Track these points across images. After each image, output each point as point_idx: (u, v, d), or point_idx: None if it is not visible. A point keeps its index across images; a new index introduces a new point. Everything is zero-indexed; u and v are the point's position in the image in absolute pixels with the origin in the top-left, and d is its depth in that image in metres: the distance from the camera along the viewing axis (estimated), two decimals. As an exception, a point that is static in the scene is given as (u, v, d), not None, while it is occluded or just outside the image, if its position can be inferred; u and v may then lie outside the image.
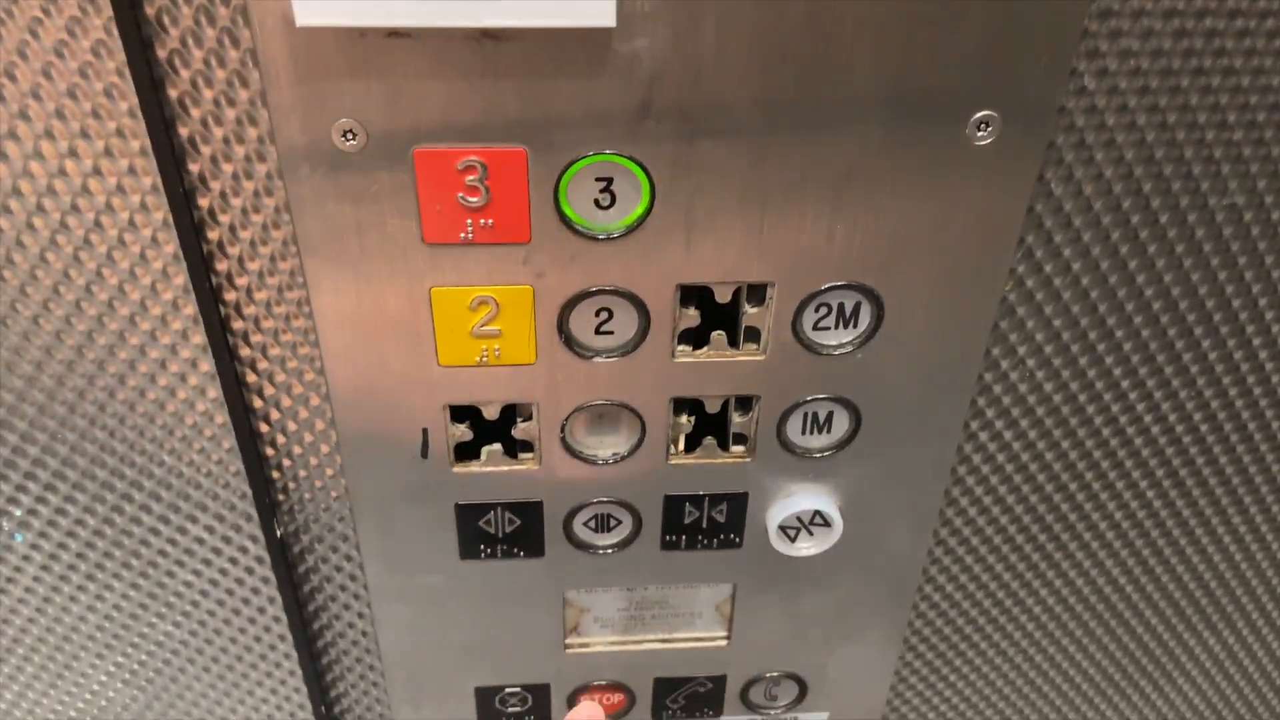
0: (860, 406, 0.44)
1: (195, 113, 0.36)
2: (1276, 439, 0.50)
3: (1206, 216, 0.41)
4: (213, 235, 0.39)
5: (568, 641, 0.53)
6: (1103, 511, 0.52)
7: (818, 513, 0.47)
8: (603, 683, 0.55)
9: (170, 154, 0.36)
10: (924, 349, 0.43)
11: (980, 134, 0.36)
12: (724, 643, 0.54)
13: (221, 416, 0.43)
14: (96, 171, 0.37)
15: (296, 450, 0.45)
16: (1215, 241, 0.42)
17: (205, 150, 0.36)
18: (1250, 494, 0.52)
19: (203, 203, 0.38)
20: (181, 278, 0.39)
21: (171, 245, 0.39)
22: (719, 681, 0.56)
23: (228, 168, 0.37)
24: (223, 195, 0.38)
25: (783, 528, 0.48)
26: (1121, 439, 0.49)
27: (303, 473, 0.46)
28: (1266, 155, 0.39)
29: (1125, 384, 0.46)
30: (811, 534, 0.48)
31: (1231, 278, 0.43)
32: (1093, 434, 0.48)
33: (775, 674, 0.56)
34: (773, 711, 0.57)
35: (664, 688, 0.56)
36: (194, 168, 0.37)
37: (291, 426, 0.45)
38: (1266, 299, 0.44)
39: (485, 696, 0.55)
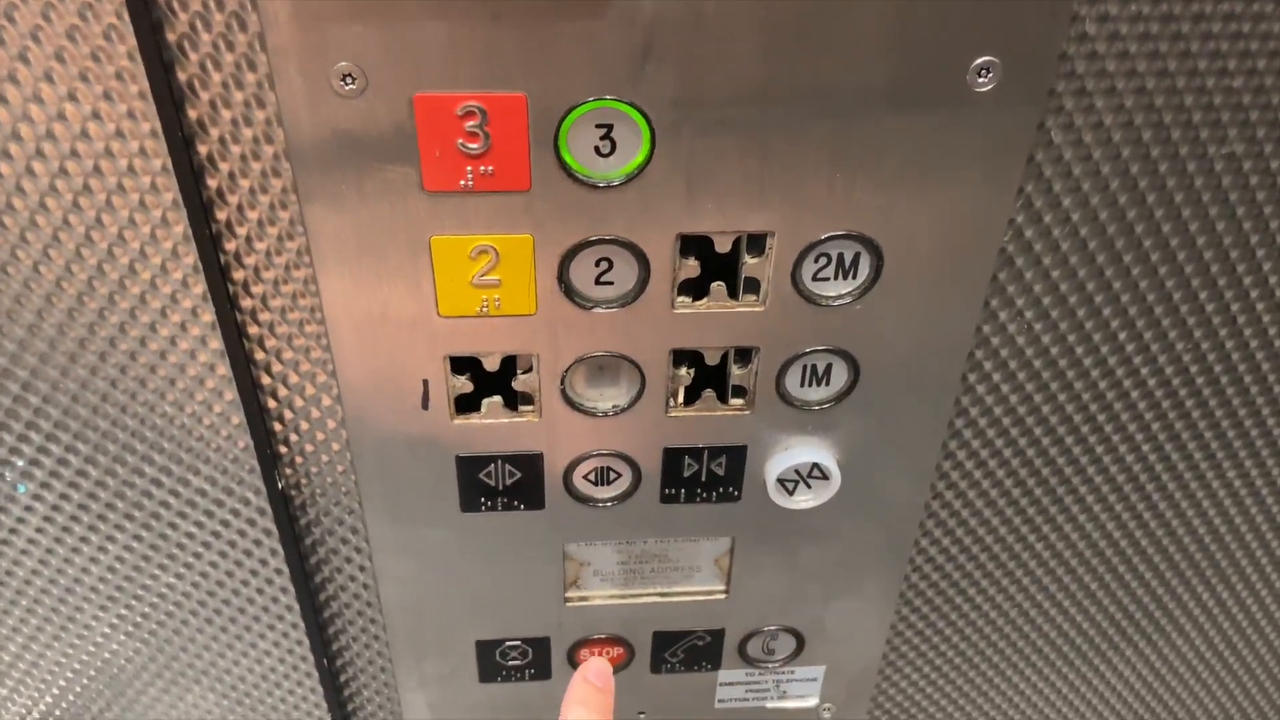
0: (859, 358, 0.44)
1: (193, 57, 0.36)
2: (1273, 393, 0.50)
3: (1206, 166, 0.41)
4: (212, 182, 0.38)
5: (567, 595, 0.54)
6: (1098, 465, 0.52)
7: (816, 465, 0.48)
8: (602, 636, 0.56)
9: (170, 100, 0.36)
10: (923, 300, 0.43)
11: (981, 80, 0.36)
12: (722, 596, 0.55)
13: (223, 368, 0.44)
14: (96, 116, 0.37)
15: (298, 402, 0.46)
16: (1214, 191, 0.42)
17: (204, 95, 0.36)
18: (1246, 448, 0.53)
19: (201, 149, 0.38)
20: (181, 225, 0.40)
21: (171, 192, 0.39)
22: (717, 635, 0.56)
23: (226, 114, 0.37)
24: (221, 141, 0.37)
25: (781, 481, 0.48)
26: (1118, 392, 0.49)
27: (304, 425, 0.46)
28: (1266, 103, 0.39)
29: (1122, 336, 0.47)
30: (810, 487, 0.49)
31: (1230, 228, 0.43)
32: (1089, 387, 0.48)
33: (773, 628, 0.56)
34: (770, 665, 0.58)
35: (663, 641, 0.56)
36: (192, 114, 0.37)
37: (293, 378, 0.45)
38: (1264, 250, 0.44)
39: (486, 649, 0.56)
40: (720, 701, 0.60)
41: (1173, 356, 0.48)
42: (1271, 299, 0.46)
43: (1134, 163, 0.41)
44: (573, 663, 0.56)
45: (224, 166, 0.38)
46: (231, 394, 0.45)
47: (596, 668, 0.47)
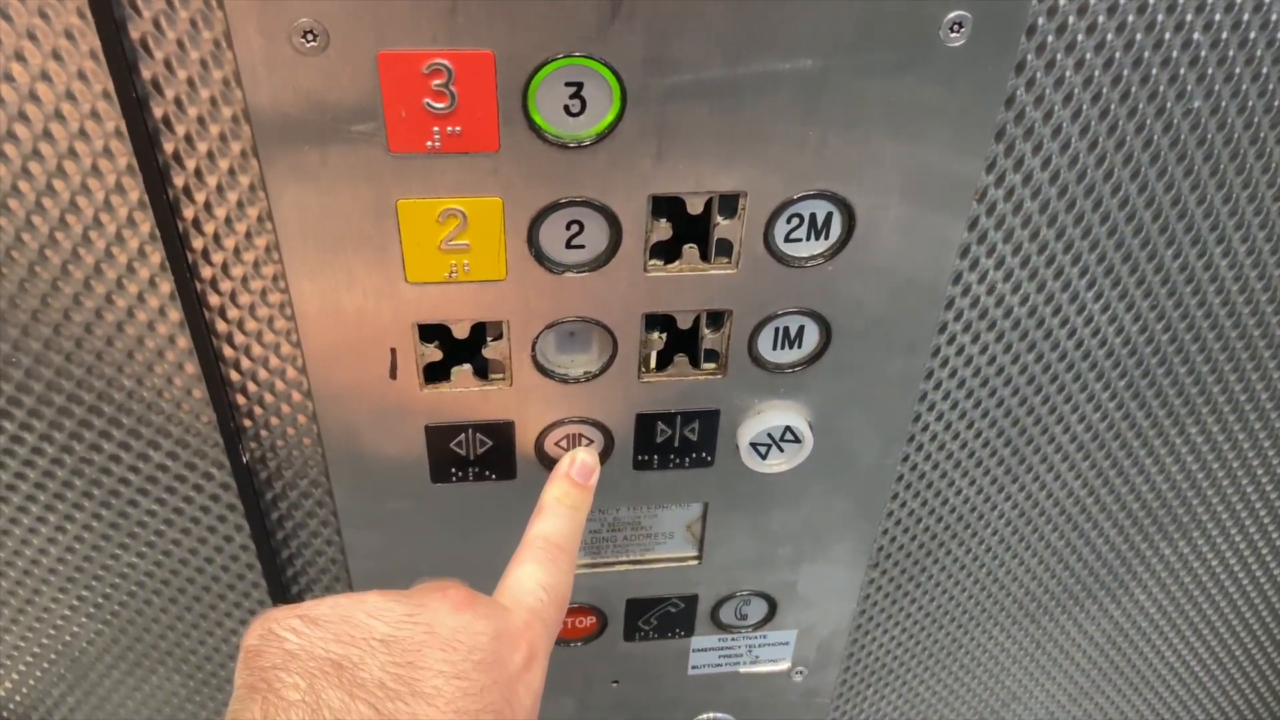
0: (831, 320, 0.44)
1: (146, 14, 0.34)
2: (1233, 352, 0.51)
3: (1168, 121, 0.41)
4: (168, 146, 0.37)
5: (540, 565, 0.53)
6: (1063, 425, 0.53)
7: (788, 429, 0.48)
8: (575, 605, 0.55)
9: (122, 60, 0.35)
10: (894, 260, 0.43)
11: (953, 35, 0.36)
12: (695, 563, 0.55)
13: (184, 340, 0.42)
14: (45, 77, 0.35)
15: (262, 374, 0.44)
16: (1178, 146, 0.42)
17: (158, 54, 0.35)
18: (1207, 405, 0.54)
19: (157, 111, 0.36)
20: (137, 192, 0.38)
21: (125, 157, 0.37)
22: (690, 601, 0.56)
23: (182, 73, 0.36)
24: (177, 102, 0.36)
25: (754, 445, 0.48)
26: (1082, 351, 0.49)
27: (269, 397, 0.45)
28: (1224, 57, 0.40)
29: (1088, 295, 0.47)
30: (782, 450, 0.49)
31: (1193, 185, 0.44)
32: (1054, 347, 0.49)
33: (745, 593, 0.56)
34: (743, 630, 0.58)
35: (636, 609, 0.56)
36: (147, 73, 0.35)
37: (256, 349, 0.44)
38: (1226, 207, 0.45)
39: (458, 622, 0.55)
40: (694, 668, 0.60)
41: (1136, 315, 0.48)
42: (1233, 256, 0.47)
43: (1098, 121, 0.41)
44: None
45: (180, 129, 0.37)
46: (193, 366, 0.43)
47: (582, 461, 0.44)
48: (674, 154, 0.39)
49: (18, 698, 0.58)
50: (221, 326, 0.43)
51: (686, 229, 0.41)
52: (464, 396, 0.45)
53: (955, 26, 0.36)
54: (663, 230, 0.41)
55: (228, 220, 0.39)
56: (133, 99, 0.35)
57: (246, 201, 0.39)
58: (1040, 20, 0.38)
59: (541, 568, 0.39)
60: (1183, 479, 0.57)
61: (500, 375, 0.45)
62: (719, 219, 0.41)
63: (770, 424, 0.47)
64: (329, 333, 0.42)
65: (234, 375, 0.44)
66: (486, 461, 0.48)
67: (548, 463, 0.48)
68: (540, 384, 0.45)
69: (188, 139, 0.37)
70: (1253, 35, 0.39)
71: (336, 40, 0.34)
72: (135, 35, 0.35)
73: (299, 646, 0.32)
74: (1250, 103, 0.41)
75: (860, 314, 0.45)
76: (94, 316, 0.41)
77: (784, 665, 0.61)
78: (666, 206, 0.41)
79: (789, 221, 0.41)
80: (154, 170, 0.37)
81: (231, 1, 0.33)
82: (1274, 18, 0.39)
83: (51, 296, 0.41)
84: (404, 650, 0.32)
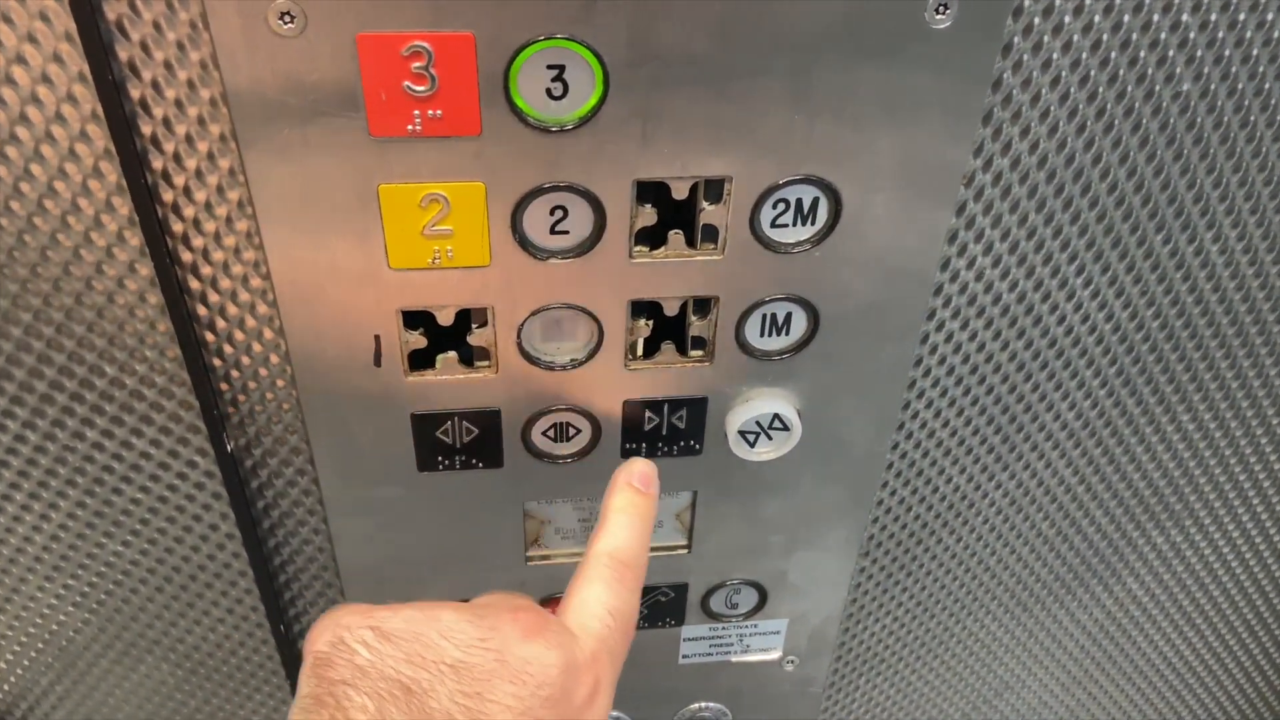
0: (818, 306, 0.44)
1: (122, -4, 0.34)
2: (1224, 338, 0.51)
3: (1156, 103, 0.41)
4: (146, 129, 0.37)
5: (529, 554, 0.53)
6: (1054, 413, 0.52)
7: (777, 416, 0.47)
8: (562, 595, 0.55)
9: (98, 43, 0.34)
10: (882, 246, 0.42)
11: (939, 17, 0.36)
12: (684, 552, 0.54)
13: (164, 324, 0.42)
14: (20, 60, 0.35)
15: (245, 361, 0.44)
16: (1167, 130, 0.42)
17: (135, 35, 0.35)
18: (1198, 391, 0.53)
19: (134, 93, 0.36)
20: (115, 175, 0.38)
21: (102, 141, 0.37)
22: (680, 590, 0.56)
23: (159, 54, 0.35)
24: (155, 85, 0.36)
25: (742, 432, 0.48)
26: (1073, 338, 0.49)
27: (252, 385, 0.45)
28: (1213, 40, 0.39)
29: (1077, 281, 0.47)
30: (770, 438, 0.48)
31: (1183, 169, 0.43)
32: (1044, 333, 0.49)
33: (736, 581, 0.56)
34: (733, 619, 0.58)
35: (625, 598, 0.56)
36: (123, 55, 0.35)
37: (238, 335, 0.43)
38: (1216, 191, 0.44)
39: (446, 611, 0.55)
40: (684, 657, 0.60)
41: (1126, 301, 0.48)
42: (1224, 242, 0.47)
43: (1085, 104, 0.40)
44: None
45: (158, 112, 0.36)
46: (175, 352, 0.43)
47: (641, 470, 0.42)
48: (659, 138, 0.38)
49: (5, 686, 0.58)
50: (202, 311, 0.42)
51: (672, 214, 0.41)
52: (449, 384, 0.45)
53: (941, 8, 0.36)
54: (648, 216, 0.40)
55: (207, 206, 0.39)
56: (109, 82, 0.35)
57: (225, 186, 0.39)
58: (1026, 2, 0.37)
59: (609, 589, 0.38)
60: (1174, 466, 0.57)
61: (486, 363, 0.45)
62: (704, 204, 0.41)
63: (758, 412, 0.47)
64: (312, 319, 0.42)
65: (216, 362, 0.44)
66: (473, 450, 0.47)
67: (534, 451, 0.48)
68: (526, 371, 0.45)
69: (165, 122, 0.37)
70: (1242, 17, 0.39)
71: (315, 21, 0.34)
72: (111, 16, 0.34)
73: (369, 663, 0.31)
74: (1240, 85, 0.41)
75: (848, 300, 0.44)
76: (73, 302, 0.41)
77: (775, 654, 0.61)
78: (652, 192, 0.40)
79: (775, 207, 0.41)
80: (132, 153, 0.37)
81: (208, -18, 0.33)
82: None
83: (30, 281, 0.40)
84: (474, 679, 0.32)
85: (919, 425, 0.52)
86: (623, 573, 0.38)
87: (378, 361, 0.43)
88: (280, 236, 0.39)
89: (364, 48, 0.35)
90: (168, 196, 0.39)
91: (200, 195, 0.39)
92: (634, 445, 0.48)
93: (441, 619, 0.33)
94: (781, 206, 0.41)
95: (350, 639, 0.32)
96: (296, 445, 0.47)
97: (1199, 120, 0.42)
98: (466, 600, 0.37)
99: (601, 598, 0.37)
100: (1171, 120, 0.42)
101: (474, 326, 0.43)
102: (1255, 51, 0.40)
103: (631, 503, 0.41)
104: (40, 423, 0.45)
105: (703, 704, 0.63)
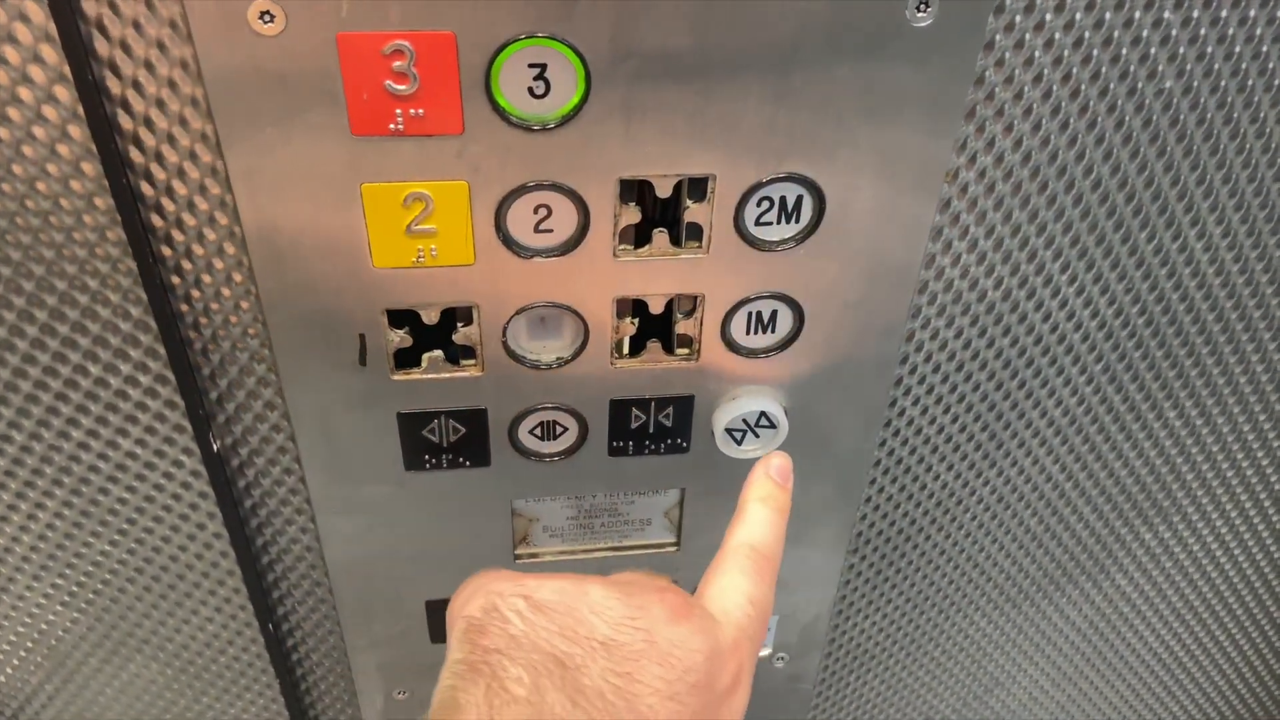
0: (803, 304, 0.44)
1: (101, -6, 0.34)
2: (1210, 334, 0.51)
3: (1139, 100, 0.41)
4: (127, 127, 0.37)
5: (517, 552, 0.53)
6: (1040, 409, 0.52)
7: (763, 414, 0.47)
8: (553, 592, 0.55)
9: (79, 40, 0.34)
10: (866, 243, 0.42)
11: (920, 15, 0.36)
12: (673, 549, 0.54)
13: (151, 325, 0.42)
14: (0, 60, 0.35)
15: (230, 361, 0.44)
16: (1150, 127, 0.42)
17: (114, 33, 0.34)
18: (1184, 388, 0.53)
19: (115, 92, 0.36)
20: (94, 171, 0.38)
21: (81, 134, 0.37)
22: (669, 588, 0.56)
23: (139, 51, 0.35)
24: (136, 85, 0.36)
25: (729, 430, 0.48)
26: (1058, 335, 0.49)
27: (238, 383, 0.45)
28: (1194, 36, 0.39)
29: (1062, 278, 0.47)
30: (758, 436, 0.48)
31: (1166, 165, 0.43)
32: (1029, 330, 0.49)
33: (724, 579, 0.56)
34: (722, 616, 0.58)
35: (614, 595, 0.56)
36: (103, 52, 0.35)
37: (223, 336, 0.43)
38: (1200, 188, 0.45)
39: (436, 610, 0.55)
40: (673, 654, 0.60)
41: (1111, 298, 0.48)
42: (1208, 238, 0.47)
43: (1067, 100, 0.40)
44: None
45: (139, 109, 0.36)
46: (161, 353, 0.43)
47: (778, 464, 0.41)
48: (642, 136, 0.38)
49: (-5, 687, 0.58)
50: (184, 310, 0.42)
51: (656, 213, 0.41)
52: (436, 383, 0.45)
53: (922, 6, 0.36)
54: (631, 214, 0.40)
55: (190, 204, 0.39)
56: (89, 81, 0.35)
57: (207, 185, 0.39)
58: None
59: (749, 579, 0.37)
60: (1161, 463, 0.57)
61: (472, 361, 0.45)
62: (689, 202, 0.41)
63: (745, 409, 0.47)
64: (297, 319, 0.42)
65: (201, 362, 0.44)
66: (460, 448, 0.47)
67: (521, 449, 0.48)
68: (512, 370, 0.45)
69: (147, 120, 0.37)
70: (1224, 14, 0.39)
71: (295, 20, 0.34)
72: (91, 13, 0.34)
73: (522, 633, 0.31)
74: (1223, 81, 0.41)
75: (833, 298, 0.44)
76: (59, 301, 0.41)
77: (765, 651, 0.61)
78: (636, 190, 0.40)
79: (759, 205, 0.41)
80: (113, 153, 0.37)
81: (187, -19, 0.33)
82: (1247, -4, 0.39)
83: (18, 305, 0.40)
84: (624, 658, 0.31)
85: (906, 422, 0.52)
86: (762, 564, 0.38)
87: (363, 360, 0.43)
88: (263, 234, 0.39)
89: (344, 47, 0.35)
90: (148, 192, 0.39)
91: (183, 191, 0.39)
92: (621, 443, 0.48)
93: (590, 593, 0.32)
94: (765, 204, 0.41)
95: (504, 606, 0.31)
96: (283, 444, 0.47)
97: (1182, 117, 0.42)
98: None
99: (742, 587, 0.36)
100: (1154, 116, 0.42)
101: (459, 325, 0.43)
102: (1238, 49, 0.40)
103: (771, 494, 0.40)
104: (26, 422, 0.45)
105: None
